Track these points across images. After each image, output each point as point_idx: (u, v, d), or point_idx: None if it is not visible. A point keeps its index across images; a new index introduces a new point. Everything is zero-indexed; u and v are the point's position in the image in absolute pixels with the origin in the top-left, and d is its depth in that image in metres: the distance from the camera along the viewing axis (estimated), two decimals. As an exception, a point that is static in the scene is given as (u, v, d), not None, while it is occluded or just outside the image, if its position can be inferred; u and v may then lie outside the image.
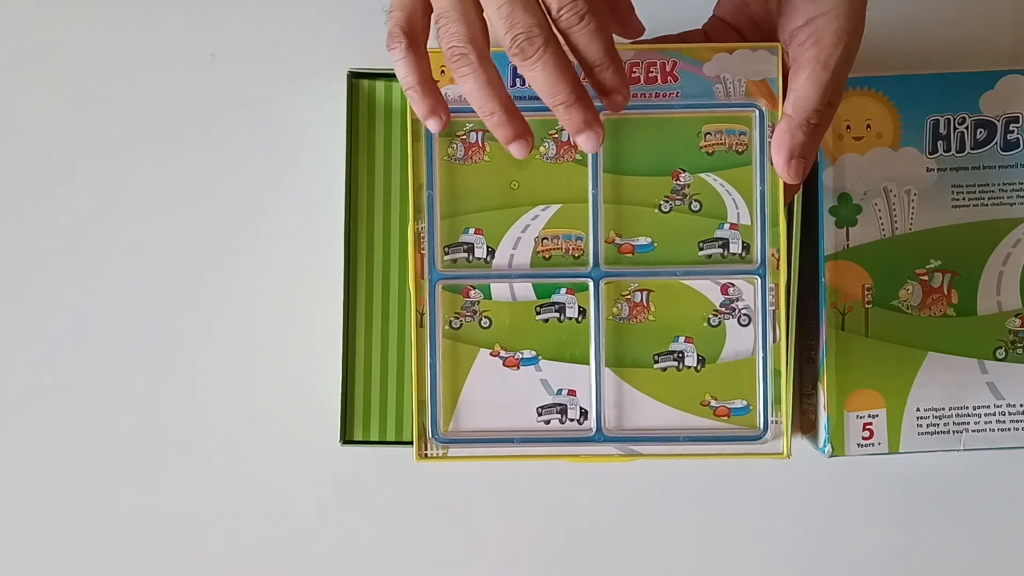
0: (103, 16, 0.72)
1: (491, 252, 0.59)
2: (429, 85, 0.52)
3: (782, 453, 0.59)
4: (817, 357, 0.66)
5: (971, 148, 0.66)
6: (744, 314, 0.59)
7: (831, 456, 0.65)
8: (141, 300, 0.72)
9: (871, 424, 0.65)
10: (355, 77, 0.66)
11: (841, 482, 0.71)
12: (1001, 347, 0.65)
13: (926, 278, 0.65)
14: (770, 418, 0.59)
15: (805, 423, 0.68)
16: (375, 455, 0.70)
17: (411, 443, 0.66)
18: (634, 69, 0.58)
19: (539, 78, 0.49)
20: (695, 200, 0.59)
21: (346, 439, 0.66)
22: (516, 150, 0.52)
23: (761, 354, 0.59)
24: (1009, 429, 0.65)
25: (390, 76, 0.66)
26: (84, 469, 0.72)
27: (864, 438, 0.65)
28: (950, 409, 0.65)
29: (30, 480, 0.72)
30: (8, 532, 0.72)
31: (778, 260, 0.59)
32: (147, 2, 0.72)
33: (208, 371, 0.72)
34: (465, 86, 0.50)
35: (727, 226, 0.59)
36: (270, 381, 0.71)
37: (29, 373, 0.72)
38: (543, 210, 0.59)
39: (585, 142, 0.51)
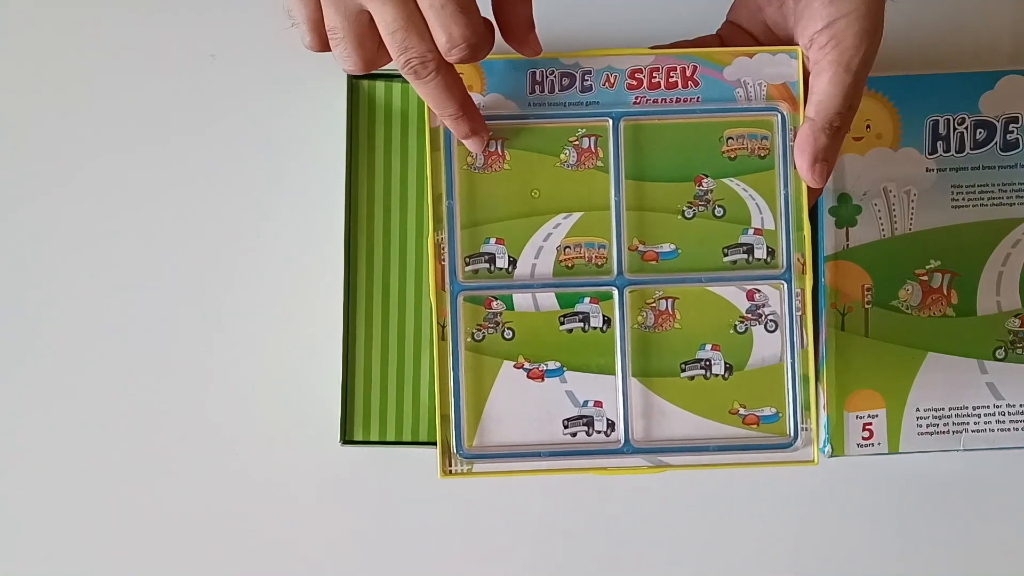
0: (103, 16, 0.71)
1: (513, 262, 0.57)
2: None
3: (813, 460, 0.57)
4: (817, 357, 0.65)
5: (971, 148, 0.65)
6: (771, 320, 0.57)
7: (831, 456, 0.65)
8: (141, 300, 0.71)
9: (871, 424, 0.65)
10: (355, 78, 0.65)
11: (841, 482, 0.70)
12: (1001, 347, 0.65)
13: (926, 278, 0.65)
14: (800, 425, 0.57)
15: (805, 423, 0.68)
16: (375, 455, 0.70)
17: (411, 443, 0.66)
18: (654, 74, 0.57)
19: (430, 96, 0.52)
20: (718, 205, 0.57)
21: (346, 439, 0.65)
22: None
23: (789, 360, 0.57)
24: (1009, 429, 0.65)
25: (389, 77, 0.66)
26: (83, 469, 0.71)
27: (864, 438, 0.65)
28: (950, 409, 0.65)
29: (30, 479, 0.71)
30: (9, 531, 0.71)
31: (803, 265, 0.57)
32: (147, 2, 0.71)
33: (208, 371, 0.71)
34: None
35: (751, 231, 0.57)
36: (270, 381, 0.70)
37: (29, 373, 0.71)
38: (565, 218, 0.57)
39: (471, 144, 0.56)
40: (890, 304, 0.65)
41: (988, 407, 0.65)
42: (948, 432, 0.65)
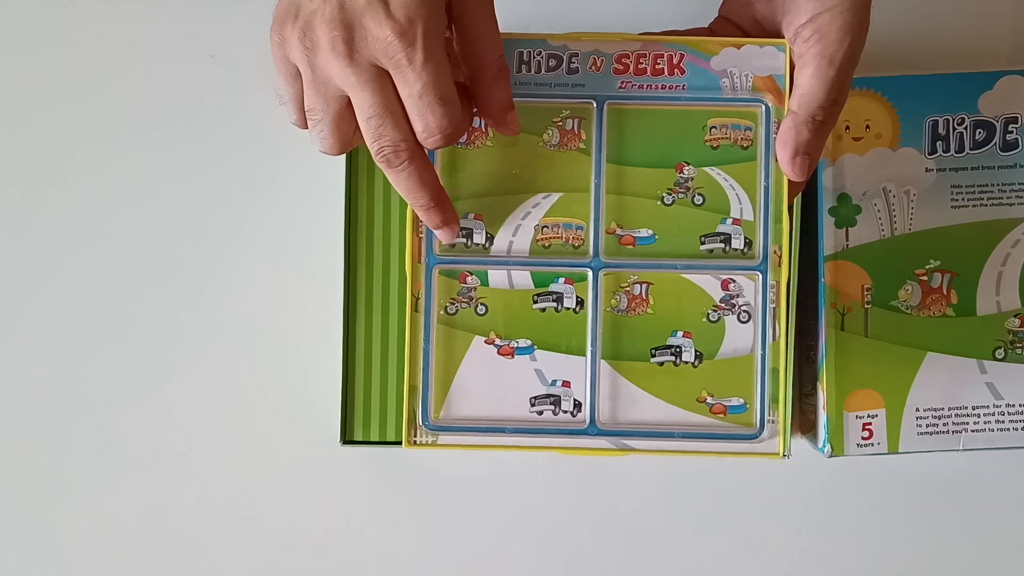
0: (103, 16, 0.71)
1: (490, 238, 0.57)
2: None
3: (778, 453, 0.57)
4: (816, 357, 0.64)
5: (970, 148, 0.65)
6: (744, 311, 0.57)
7: (830, 456, 0.64)
8: (140, 299, 0.71)
9: (870, 424, 0.64)
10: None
11: (840, 482, 0.69)
12: (1000, 347, 0.64)
13: (925, 278, 0.65)
14: (767, 417, 0.57)
15: (805, 423, 0.67)
16: (375, 455, 0.69)
17: (411, 443, 0.66)
18: (641, 60, 0.57)
19: (402, 184, 0.52)
20: (698, 194, 0.57)
21: (346, 439, 0.65)
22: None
23: (760, 352, 0.57)
24: (1008, 429, 0.64)
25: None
26: (81, 469, 0.70)
27: (863, 438, 0.64)
28: (949, 409, 0.64)
29: (26, 481, 0.71)
30: (6, 534, 0.71)
31: (780, 257, 0.57)
32: (147, 2, 0.71)
33: (208, 371, 0.70)
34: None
35: (729, 221, 0.57)
36: (270, 381, 0.70)
37: (28, 375, 0.71)
38: (544, 198, 0.57)
39: (442, 236, 0.56)
40: (890, 304, 0.64)
41: (988, 407, 0.64)
42: (948, 432, 0.64)
